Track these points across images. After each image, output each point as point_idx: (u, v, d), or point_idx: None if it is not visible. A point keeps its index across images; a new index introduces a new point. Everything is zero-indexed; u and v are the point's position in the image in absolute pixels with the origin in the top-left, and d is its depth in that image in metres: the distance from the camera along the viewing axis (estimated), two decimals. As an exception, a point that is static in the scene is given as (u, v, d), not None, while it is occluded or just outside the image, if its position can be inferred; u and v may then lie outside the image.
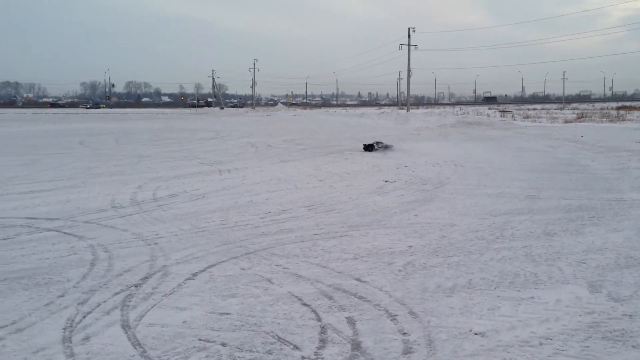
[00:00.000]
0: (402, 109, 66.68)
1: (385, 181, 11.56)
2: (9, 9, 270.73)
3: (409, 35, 59.15)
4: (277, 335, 4.02)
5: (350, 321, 4.28)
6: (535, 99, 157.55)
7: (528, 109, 66.10)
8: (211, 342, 3.92)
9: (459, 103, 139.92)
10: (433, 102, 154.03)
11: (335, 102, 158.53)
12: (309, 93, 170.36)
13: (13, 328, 4.14)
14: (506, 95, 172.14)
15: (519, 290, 4.98)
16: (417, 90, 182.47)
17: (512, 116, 46.66)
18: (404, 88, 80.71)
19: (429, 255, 6.14)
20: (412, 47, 59.51)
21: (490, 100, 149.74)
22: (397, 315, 4.41)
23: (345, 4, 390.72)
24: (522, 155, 16.78)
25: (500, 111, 59.34)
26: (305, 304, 4.65)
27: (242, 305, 4.62)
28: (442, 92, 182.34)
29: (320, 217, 8.12)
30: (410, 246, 6.51)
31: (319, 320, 4.32)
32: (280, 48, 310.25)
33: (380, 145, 18.82)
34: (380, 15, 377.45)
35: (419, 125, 33.60)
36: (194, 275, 5.44)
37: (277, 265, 5.75)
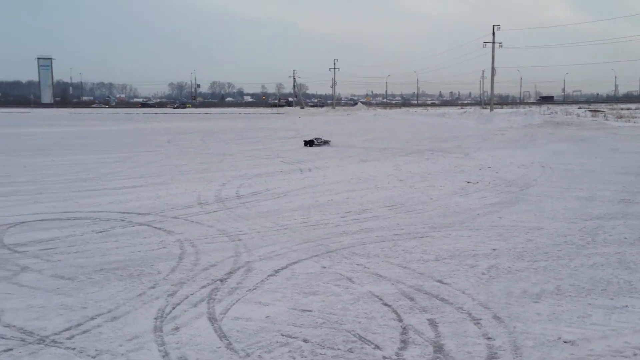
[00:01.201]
0: (485, 108, 65.06)
1: (468, 182, 11.33)
2: (103, 15, 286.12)
3: (493, 33, 57.59)
4: (358, 334, 4.04)
5: (432, 323, 4.23)
6: (629, 98, 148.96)
7: (622, 109, 62.69)
8: (293, 337, 3.99)
9: (513, 102, 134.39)
10: (518, 101, 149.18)
11: (415, 102, 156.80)
12: (389, 92, 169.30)
13: (109, 316, 4.38)
14: (598, 94, 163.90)
15: (612, 299, 4.75)
16: (501, 89, 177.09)
17: (604, 116, 44.42)
18: (487, 87, 78.69)
19: (514, 259, 5.96)
20: (496, 45, 57.91)
21: (546, 100, 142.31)
22: (480, 319, 4.31)
23: (428, 2, 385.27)
24: (615, 157, 15.96)
25: (591, 110, 56.65)
26: (386, 304, 4.64)
27: (323, 303, 4.67)
28: (528, 91, 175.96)
29: (401, 217, 8.07)
30: (494, 249, 6.34)
31: (400, 320, 4.29)
32: (361, 47, 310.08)
33: (319, 141, 20.91)
34: (463, 13, 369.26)
35: (503, 125, 32.65)
36: (276, 271, 5.55)
37: (357, 265, 5.77)
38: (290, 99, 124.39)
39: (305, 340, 3.93)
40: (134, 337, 3.98)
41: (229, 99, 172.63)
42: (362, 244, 6.59)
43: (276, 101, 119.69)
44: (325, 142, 21.18)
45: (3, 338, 3.95)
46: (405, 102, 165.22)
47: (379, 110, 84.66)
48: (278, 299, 4.78)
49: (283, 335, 4.02)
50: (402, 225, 7.57)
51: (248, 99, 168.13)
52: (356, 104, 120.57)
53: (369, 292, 4.93)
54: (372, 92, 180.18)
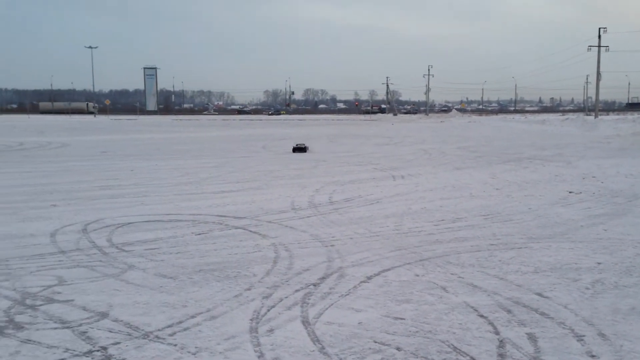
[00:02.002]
0: (590, 115, 61.84)
1: (570, 192, 10.81)
2: (204, 26, 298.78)
3: (599, 36, 54.78)
4: (452, 345, 3.95)
5: (532, 337, 4.07)
6: None
7: None
8: (386, 345, 3.96)
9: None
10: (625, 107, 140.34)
11: (513, 108, 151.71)
12: (485, 99, 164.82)
13: (208, 315, 4.56)
14: None
15: None
16: (607, 95, 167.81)
17: None
18: (591, 92, 74.73)
19: (621, 274, 5.62)
20: (602, 49, 54.97)
21: (635, 106, 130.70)
22: (584, 335, 4.10)
23: (527, 4, 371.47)
24: None
25: None
26: (481, 316, 4.51)
27: (416, 312, 4.62)
28: (637, 97, 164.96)
29: (497, 227, 7.83)
30: (599, 263, 6.01)
31: (497, 333, 4.16)
32: (456, 53, 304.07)
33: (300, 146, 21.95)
34: (565, 16, 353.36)
35: (609, 132, 30.88)
36: (369, 278, 5.55)
37: (452, 274, 5.65)
38: (383, 106, 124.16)
39: (398, 349, 3.90)
40: (231, 337, 4.11)
41: (322, 105, 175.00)
42: (457, 253, 6.45)
43: (369, 108, 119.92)
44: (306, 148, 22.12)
45: (111, 332, 4.20)
46: (502, 108, 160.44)
47: (474, 117, 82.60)
48: (370, 305, 4.78)
49: (376, 342, 4.01)
50: (498, 235, 7.34)
51: (341, 105, 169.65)
52: (450, 110, 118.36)
53: (463, 303, 4.82)
54: (467, 98, 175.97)
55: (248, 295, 5.05)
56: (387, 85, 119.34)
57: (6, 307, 4.73)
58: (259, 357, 3.78)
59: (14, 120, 67.64)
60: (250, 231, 7.71)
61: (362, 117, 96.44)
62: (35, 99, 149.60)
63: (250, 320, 4.44)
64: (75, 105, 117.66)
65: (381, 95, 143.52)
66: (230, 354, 3.82)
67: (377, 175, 14.06)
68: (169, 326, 4.32)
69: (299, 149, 21.66)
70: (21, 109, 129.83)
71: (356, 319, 4.46)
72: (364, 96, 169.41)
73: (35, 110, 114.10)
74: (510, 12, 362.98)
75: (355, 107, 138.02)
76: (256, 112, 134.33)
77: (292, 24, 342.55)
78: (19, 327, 4.29)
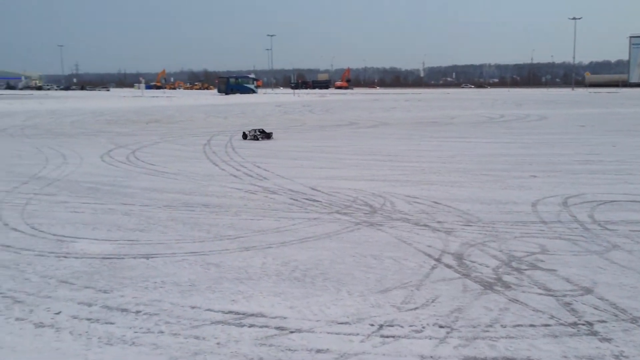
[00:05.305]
0: None
1: None
2: None
3: None
4: None
5: None
6: None
7: None
8: None
9: None
10: None
11: None
12: None
13: None
14: None
15: None
16: None
17: None
18: None
19: None
20: None
21: None
22: None
23: None
24: None
25: None
26: None
27: None
28: None
29: None
30: None
31: None
32: None
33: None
34: None
35: None
36: None
37: None
38: None
39: None
40: None
41: None
42: None
43: None
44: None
45: (597, 309, 4.09)
46: None
47: None
48: None
49: None
50: None
51: None
52: None
53: None
54: None
55: None
56: None
57: (494, 265, 5.14)
58: None
59: (493, 94, 72.37)
60: None
61: None
62: (515, 73, 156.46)
63: None
64: (609, 77, 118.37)
65: None
66: None
67: None
68: None
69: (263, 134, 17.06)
70: (502, 83, 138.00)
71: None
72: None
73: (515, 83, 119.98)
74: None
75: None
76: None
77: None
78: (507, 286, 4.60)
